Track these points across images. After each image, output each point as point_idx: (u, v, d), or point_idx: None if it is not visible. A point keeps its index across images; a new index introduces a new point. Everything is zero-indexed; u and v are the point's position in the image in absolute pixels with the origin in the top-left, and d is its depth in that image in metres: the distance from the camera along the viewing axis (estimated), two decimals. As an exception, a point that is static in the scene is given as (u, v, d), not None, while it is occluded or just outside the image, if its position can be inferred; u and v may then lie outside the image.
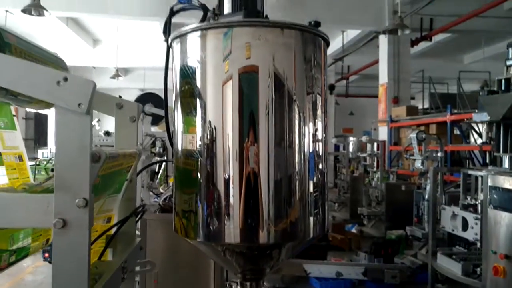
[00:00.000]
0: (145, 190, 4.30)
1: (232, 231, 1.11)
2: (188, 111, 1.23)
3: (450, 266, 4.66)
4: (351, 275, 5.63)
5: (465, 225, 4.61)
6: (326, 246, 7.25)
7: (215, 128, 1.15)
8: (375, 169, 9.17)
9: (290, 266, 5.78)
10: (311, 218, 1.18)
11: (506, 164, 4.29)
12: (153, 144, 5.58)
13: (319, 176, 1.22)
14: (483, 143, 8.22)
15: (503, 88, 4.39)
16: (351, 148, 10.92)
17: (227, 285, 1.32)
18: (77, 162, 1.00)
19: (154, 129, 6.02)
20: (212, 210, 1.13)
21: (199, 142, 1.18)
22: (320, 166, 1.24)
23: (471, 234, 4.48)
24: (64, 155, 1.00)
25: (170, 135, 1.39)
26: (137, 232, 4.06)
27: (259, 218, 1.11)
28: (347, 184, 10.50)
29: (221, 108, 1.14)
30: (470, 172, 4.85)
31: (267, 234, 1.10)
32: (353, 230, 8.42)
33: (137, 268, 1.51)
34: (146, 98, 6.37)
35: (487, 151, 8.01)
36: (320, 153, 1.25)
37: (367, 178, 9.65)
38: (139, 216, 1.52)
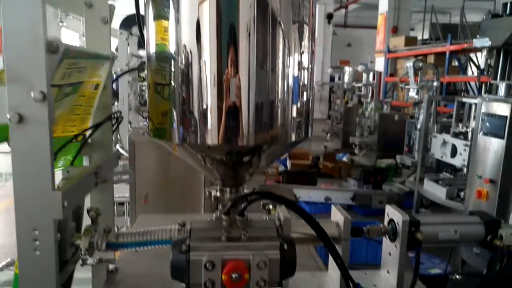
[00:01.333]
0: (133, 112, 4.22)
1: (210, 133, 1.04)
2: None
3: (436, 191, 4.78)
4: (339, 200, 5.79)
5: (454, 152, 4.65)
6: (317, 173, 7.40)
7: (188, 26, 1.04)
8: (369, 100, 9.08)
9: (281, 191, 5.92)
10: (293, 123, 1.11)
11: (501, 92, 4.21)
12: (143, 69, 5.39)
13: (303, 89, 1.13)
14: (480, 72, 8.06)
15: (508, 12, 4.17)
16: (346, 78, 10.73)
17: (207, 192, 1.28)
18: (29, 52, 0.90)
19: (143, 53, 5.79)
20: (189, 112, 1.05)
21: (173, 46, 1.06)
22: (305, 80, 1.15)
23: (459, 160, 4.53)
24: (13, 46, 0.90)
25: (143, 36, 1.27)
26: (125, 154, 4.07)
27: (238, 120, 1.03)
28: (341, 115, 10.48)
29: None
30: (464, 99, 4.78)
31: (247, 136, 1.03)
32: (344, 159, 8.55)
33: (115, 178, 1.47)
34: (133, 19, 6.05)
35: (484, 82, 7.89)
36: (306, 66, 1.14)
37: (361, 108, 9.60)
38: (116, 124, 1.44)
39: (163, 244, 1.22)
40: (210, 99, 1.03)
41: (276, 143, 1.10)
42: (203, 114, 1.04)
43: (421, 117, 5.93)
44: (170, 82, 1.08)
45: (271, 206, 1.38)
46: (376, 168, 7.50)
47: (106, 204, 1.48)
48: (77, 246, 1.21)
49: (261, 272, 1.04)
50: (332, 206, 1.44)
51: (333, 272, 1.39)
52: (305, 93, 1.16)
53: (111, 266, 1.42)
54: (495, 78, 4.32)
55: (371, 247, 4.06)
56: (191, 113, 1.06)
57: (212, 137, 1.05)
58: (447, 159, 4.78)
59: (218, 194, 1.25)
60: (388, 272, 1.42)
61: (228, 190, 1.24)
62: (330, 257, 1.43)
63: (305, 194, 5.89)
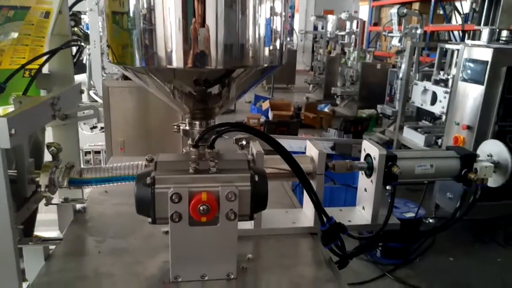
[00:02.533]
0: (106, 56, 3.98)
1: (174, 55, 0.94)
2: None
3: (414, 139, 4.82)
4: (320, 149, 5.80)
5: (434, 99, 4.64)
6: (298, 124, 7.38)
7: None
8: (352, 49, 8.92)
9: (260, 142, 5.88)
10: (265, 47, 1.02)
11: (484, 38, 4.15)
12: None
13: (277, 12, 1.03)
14: (464, 19, 7.96)
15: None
16: (330, 27, 10.46)
17: (175, 127, 1.20)
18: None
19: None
20: (152, 33, 0.95)
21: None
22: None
23: (438, 108, 4.54)
24: None
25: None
26: (99, 100, 3.92)
27: (206, 42, 0.94)
28: (323, 65, 10.32)
29: None
30: (447, 46, 4.71)
31: (215, 58, 0.94)
32: (326, 110, 8.53)
33: (79, 114, 1.37)
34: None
35: (467, 31, 7.81)
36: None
37: (344, 58, 9.45)
38: (77, 55, 1.32)
39: (130, 181, 1.15)
40: (174, 18, 0.93)
41: (247, 67, 1.02)
42: (168, 34, 0.93)
43: (403, 65, 5.88)
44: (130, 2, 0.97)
45: (244, 142, 1.32)
46: (357, 118, 7.52)
47: (70, 142, 1.39)
48: (37, 183, 1.14)
49: (231, 204, 1.00)
50: (307, 141, 1.39)
51: (308, 209, 1.37)
52: (279, 18, 1.06)
53: (78, 206, 1.37)
54: (479, 24, 4.24)
55: (349, 195, 4.13)
56: (154, 34, 0.95)
57: (177, 60, 0.95)
58: (427, 106, 4.78)
59: (187, 127, 1.18)
60: (363, 208, 1.41)
61: (197, 123, 1.17)
62: (305, 194, 1.40)
63: (285, 144, 5.72)
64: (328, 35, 10.45)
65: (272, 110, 8.11)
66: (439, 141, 4.52)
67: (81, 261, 1.11)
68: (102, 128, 3.77)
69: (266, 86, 11.82)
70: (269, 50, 1.04)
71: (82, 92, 1.37)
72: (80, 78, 4.30)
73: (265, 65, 1.04)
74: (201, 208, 0.97)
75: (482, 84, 3.72)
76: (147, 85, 1.14)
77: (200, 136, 1.08)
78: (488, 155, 1.36)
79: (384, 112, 6.67)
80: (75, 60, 1.34)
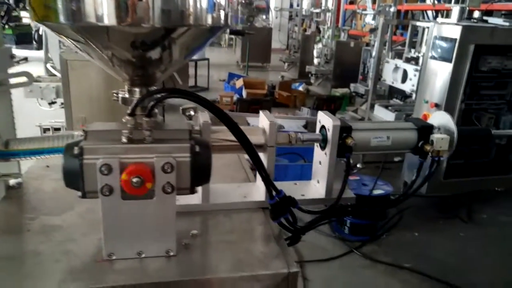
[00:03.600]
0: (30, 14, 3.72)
1: (107, 11, 0.84)
2: None
3: (385, 116, 4.84)
4: (292, 128, 5.77)
5: (404, 77, 4.65)
6: (271, 102, 7.31)
7: None
8: (327, 27, 8.84)
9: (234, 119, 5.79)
10: (208, 5, 0.93)
11: (455, 16, 4.14)
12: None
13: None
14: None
15: None
16: (305, 4, 10.32)
17: (113, 94, 1.10)
18: None
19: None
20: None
21: None
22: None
23: (408, 86, 4.55)
24: None
25: None
26: (58, 74, 3.71)
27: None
28: (298, 43, 10.21)
29: None
30: (418, 23, 4.70)
31: (152, 15, 0.85)
32: (300, 88, 8.48)
33: (12, 80, 1.25)
34: None
35: (439, 10, 7.83)
36: None
37: (319, 36, 9.37)
38: (5, 17, 1.19)
39: (61, 152, 1.06)
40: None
41: (188, 26, 0.92)
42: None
43: (377, 44, 5.84)
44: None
45: (192, 112, 1.24)
46: (330, 96, 7.50)
47: (3, 113, 1.28)
48: (-41, 155, 1.03)
49: (168, 176, 0.92)
50: (260, 112, 1.32)
51: (261, 182, 1.31)
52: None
53: (12, 181, 1.26)
54: (450, 2, 4.23)
55: (305, 170, 4.10)
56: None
57: (109, 17, 0.85)
58: (398, 84, 4.79)
59: (126, 95, 1.09)
60: (318, 181, 1.36)
61: (137, 90, 1.08)
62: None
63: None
64: (304, 13, 10.31)
65: (246, 88, 8.00)
66: (408, 119, 4.54)
67: (5, 240, 1.01)
68: (62, 104, 3.59)
69: (241, 64, 11.65)
70: (213, 8, 0.95)
71: (13, 57, 1.25)
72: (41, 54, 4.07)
73: (209, 23, 0.95)
74: (134, 180, 0.89)
75: (450, 62, 3.72)
76: (80, 50, 1.04)
77: (136, 103, 0.98)
78: (436, 127, 1.32)
79: (357, 91, 6.67)
80: (3, 22, 1.20)
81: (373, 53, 6.08)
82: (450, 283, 3.03)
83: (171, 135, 0.98)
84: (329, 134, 1.26)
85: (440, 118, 1.35)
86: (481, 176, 4.19)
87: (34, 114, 3.66)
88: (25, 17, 10.07)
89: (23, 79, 1.25)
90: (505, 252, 3.51)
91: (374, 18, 6.31)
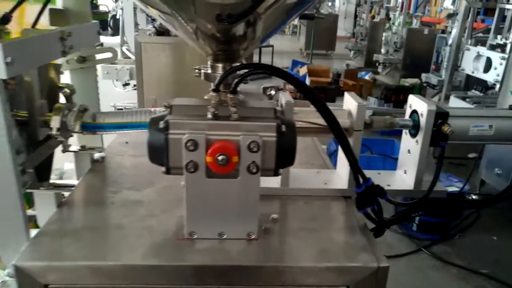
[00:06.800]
0: (140, 12, 3.88)
1: None
2: None
3: (462, 109, 4.47)
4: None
5: (488, 66, 4.25)
6: (336, 91, 7.10)
7: None
8: (398, 13, 8.37)
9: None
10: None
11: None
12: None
13: None
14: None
15: None
16: (375, -11, 9.85)
17: (196, 70, 1.08)
18: None
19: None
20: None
21: None
22: None
23: (492, 76, 4.16)
24: None
25: None
26: (132, 56, 3.85)
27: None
28: (366, 31, 9.80)
29: None
30: (507, 6, 4.25)
31: None
32: (366, 77, 8.14)
33: (98, 56, 1.27)
34: None
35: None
36: None
37: (388, 23, 8.91)
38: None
39: (145, 127, 1.05)
40: None
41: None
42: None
43: (454, 30, 5.41)
44: None
45: (273, 92, 1.19)
46: (399, 86, 7.12)
47: (89, 87, 1.31)
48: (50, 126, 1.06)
49: (253, 155, 0.88)
50: (346, 93, 1.23)
51: (342, 170, 1.23)
52: None
53: (96, 155, 1.29)
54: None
55: (387, 165, 3.93)
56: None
57: None
58: (479, 74, 4.39)
59: (209, 71, 1.05)
60: (405, 172, 1.25)
61: (220, 66, 1.04)
62: (339, 154, 1.26)
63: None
64: (373, -2, 9.86)
65: (310, 76, 7.84)
66: (490, 112, 4.17)
67: (92, 211, 1.03)
68: (134, 85, 3.71)
69: (304, 52, 11.45)
70: None
71: (99, 33, 1.26)
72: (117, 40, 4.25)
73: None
74: (219, 158, 0.85)
75: (546, 49, 3.33)
76: (165, 21, 1.02)
77: (221, 79, 0.94)
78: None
79: (429, 81, 6.27)
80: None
81: (450, 41, 5.65)
82: (534, 294, 2.76)
83: (256, 113, 0.93)
84: (422, 120, 1.14)
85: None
86: None
87: (109, 95, 3.84)
88: (102, 4, 10.64)
89: (108, 54, 1.26)
90: None
91: (453, 3, 5.85)
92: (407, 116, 1.22)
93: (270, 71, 0.95)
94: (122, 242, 0.91)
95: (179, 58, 3.73)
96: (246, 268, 0.88)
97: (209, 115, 0.90)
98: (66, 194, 1.11)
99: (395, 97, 6.62)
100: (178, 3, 0.90)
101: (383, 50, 8.49)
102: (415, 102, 1.19)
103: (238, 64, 1.02)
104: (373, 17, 10.15)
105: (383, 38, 8.49)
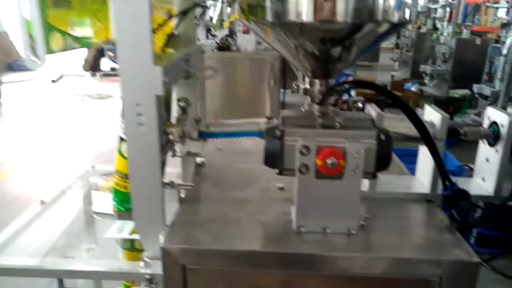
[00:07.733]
0: (201, 28, 4.13)
1: (305, 8, 0.96)
2: None
3: (519, 121, 4.38)
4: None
5: (547, 77, 4.16)
6: (383, 103, 7.08)
7: None
8: (446, 23, 8.26)
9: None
10: (394, 4, 1.00)
11: None
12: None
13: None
14: None
15: None
16: (421, 0, 9.76)
17: (293, 86, 1.23)
18: None
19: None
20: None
21: None
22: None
23: (552, 87, 4.06)
24: None
25: None
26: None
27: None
28: (412, 42, 9.71)
29: None
30: None
31: (344, 11, 0.94)
32: (413, 89, 8.08)
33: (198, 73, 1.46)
34: None
35: None
36: None
37: (435, 34, 8.80)
38: (201, 14, 1.40)
39: (252, 136, 1.22)
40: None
41: (375, 21, 1.00)
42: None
43: (509, 40, 5.33)
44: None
45: (360, 105, 1.32)
46: (448, 98, 7.02)
47: (192, 99, 1.50)
48: (168, 134, 1.25)
49: (357, 160, 1.01)
50: (425, 105, 1.35)
51: (423, 176, 1.34)
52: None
53: (199, 159, 1.47)
54: None
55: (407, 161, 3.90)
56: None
57: (307, 14, 0.97)
58: (538, 85, 4.30)
59: (307, 86, 1.20)
60: (483, 179, 1.34)
61: (317, 82, 1.19)
62: (418, 162, 1.37)
63: None
64: (419, 9, 9.77)
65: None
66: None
67: (209, 206, 1.20)
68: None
69: (347, 64, 11.44)
70: (397, 5, 1.01)
71: (203, 52, 1.45)
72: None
73: (395, 20, 1.01)
74: (329, 162, 1.00)
75: None
76: (273, 42, 1.18)
77: (326, 93, 1.10)
78: None
79: (482, 92, 6.15)
80: (197, 22, 1.42)
81: (504, 51, 5.55)
82: None
83: (356, 123, 1.07)
84: (503, 130, 1.23)
85: None
86: None
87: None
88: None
89: (210, 72, 1.45)
90: None
91: (508, 13, 5.75)
92: (485, 126, 1.31)
93: (369, 87, 1.10)
94: (242, 232, 1.07)
95: (231, 72, 3.94)
96: (350, 258, 1.01)
97: (317, 125, 1.05)
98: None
99: (444, 109, 6.50)
100: (289, 28, 1.06)
101: (430, 61, 8.38)
102: (494, 114, 1.28)
103: (342, 80, 1.16)
104: (419, 27, 10.05)
105: (435, 49, 8.37)
